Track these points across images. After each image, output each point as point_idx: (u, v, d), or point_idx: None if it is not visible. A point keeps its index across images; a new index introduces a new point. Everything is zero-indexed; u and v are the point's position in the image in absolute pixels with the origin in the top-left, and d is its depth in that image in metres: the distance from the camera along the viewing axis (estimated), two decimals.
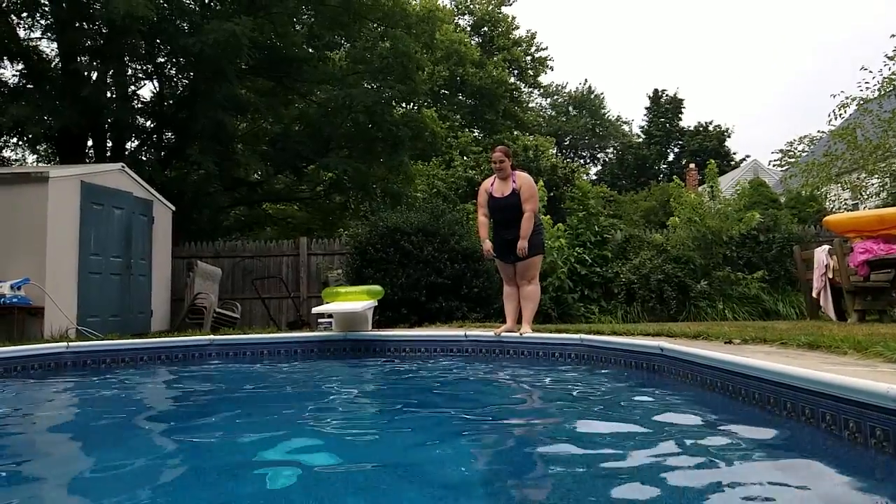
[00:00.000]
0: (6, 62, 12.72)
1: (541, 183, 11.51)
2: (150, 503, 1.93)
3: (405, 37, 14.44)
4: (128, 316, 9.15)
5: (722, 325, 5.94)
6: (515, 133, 28.93)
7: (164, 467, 2.46)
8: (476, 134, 29.11)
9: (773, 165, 31.23)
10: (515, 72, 34.93)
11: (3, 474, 2.35)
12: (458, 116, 29.11)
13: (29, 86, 12.61)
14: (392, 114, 15.23)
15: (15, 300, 7.34)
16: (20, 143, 14.32)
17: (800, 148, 30.25)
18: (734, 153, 38.86)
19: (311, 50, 15.05)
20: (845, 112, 15.10)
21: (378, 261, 8.97)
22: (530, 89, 39.11)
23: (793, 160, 26.68)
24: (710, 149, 36.30)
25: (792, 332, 4.45)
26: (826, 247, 7.50)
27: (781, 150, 32.51)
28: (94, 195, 8.65)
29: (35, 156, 16.31)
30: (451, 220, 9.61)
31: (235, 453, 2.53)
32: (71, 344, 5.56)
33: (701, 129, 39.26)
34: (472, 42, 31.25)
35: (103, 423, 3.34)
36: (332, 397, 4.06)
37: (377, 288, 7.02)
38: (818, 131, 26.39)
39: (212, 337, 6.16)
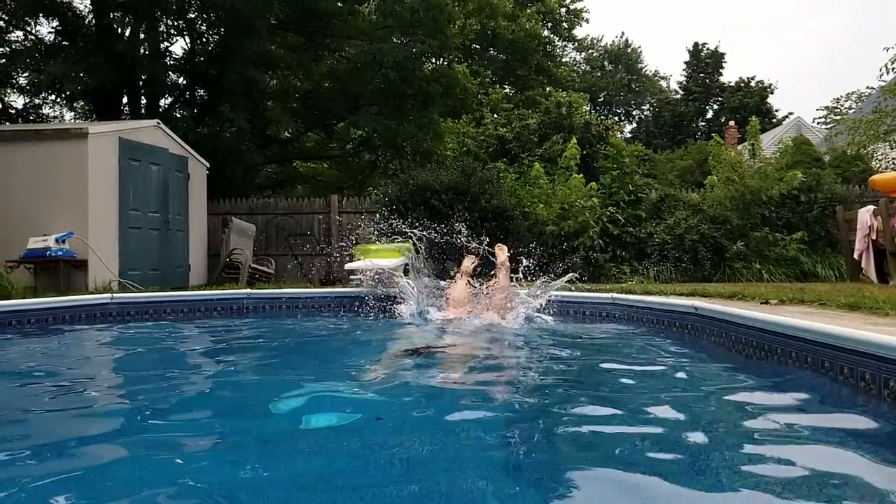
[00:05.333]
0: (42, 19, 12.84)
1: (573, 141, 11.31)
2: (191, 433, 2.04)
3: None
4: (166, 270, 9.39)
5: (758, 286, 5.84)
6: (548, 89, 28.28)
7: (204, 406, 2.58)
8: (507, 90, 28.52)
9: (818, 123, 30.04)
10: (549, 25, 33.88)
11: (75, 406, 2.51)
12: (488, 72, 28.50)
13: (64, 43, 12.73)
14: (422, 69, 14.98)
15: (60, 253, 7.58)
16: (58, 100, 14.56)
17: (847, 105, 29.01)
18: (776, 110, 37.40)
19: (339, 3, 14.80)
20: None
21: (408, 219, 8.99)
22: (564, 43, 37.97)
23: (839, 117, 25.61)
24: (751, 106, 34.97)
25: (831, 293, 4.36)
26: (871, 207, 7.27)
27: (827, 107, 31.19)
28: (131, 151, 8.80)
29: (72, 113, 16.58)
30: (482, 179, 9.55)
31: (274, 395, 2.62)
32: (115, 296, 5.76)
33: (742, 84, 37.76)
34: None
35: (150, 366, 3.48)
36: (363, 347, 4.15)
37: (408, 245, 7.06)
38: (867, 87, 25.25)
39: (248, 291, 6.31)
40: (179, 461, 1.78)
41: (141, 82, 12.93)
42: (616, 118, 43.46)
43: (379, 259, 6.49)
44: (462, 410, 2.43)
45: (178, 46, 16.16)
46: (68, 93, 12.88)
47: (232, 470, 1.74)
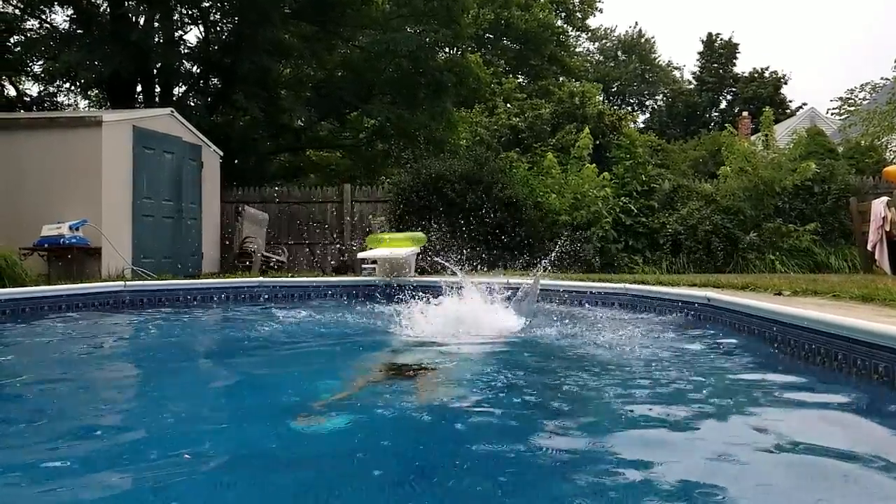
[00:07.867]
0: (57, 7, 12.91)
1: (586, 131, 11.27)
2: (197, 424, 2.07)
3: None
4: (179, 258, 9.48)
5: (771, 277, 5.82)
6: (561, 79, 28.10)
7: (212, 396, 2.61)
8: (520, 80, 28.35)
9: (832, 114, 29.67)
10: (563, 14, 33.60)
11: (79, 399, 2.54)
12: (502, 62, 28.35)
13: (79, 31, 12.79)
14: (435, 59, 14.92)
15: (74, 240, 7.65)
16: (72, 88, 14.65)
17: (861, 95, 28.66)
18: (790, 101, 36.95)
19: None
20: None
21: (420, 208, 9.01)
22: (578, 33, 37.65)
23: (853, 108, 25.28)
24: (764, 96, 34.58)
25: (844, 284, 4.33)
26: (884, 198, 7.20)
27: (841, 98, 30.83)
28: (145, 139, 8.86)
29: (87, 101, 16.67)
30: (495, 168, 9.54)
31: (272, 393, 2.65)
32: (128, 283, 5.83)
33: (756, 75, 37.33)
34: None
35: (161, 355, 3.53)
36: (376, 335, 4.19)
37: (420, 235, 7.09)
38: (882, 78, 24.90)
39: (261, 279, 6.36)
40: (188, 456, 1.80)
41: (155, 71, 12.99)
42: (629, 108, 43.12)
43: (391, 248, 6.52)
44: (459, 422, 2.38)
45: (192, 35, 16.20)
46: (82, 81, 12.96)
47: (226, 467, 1.77)
